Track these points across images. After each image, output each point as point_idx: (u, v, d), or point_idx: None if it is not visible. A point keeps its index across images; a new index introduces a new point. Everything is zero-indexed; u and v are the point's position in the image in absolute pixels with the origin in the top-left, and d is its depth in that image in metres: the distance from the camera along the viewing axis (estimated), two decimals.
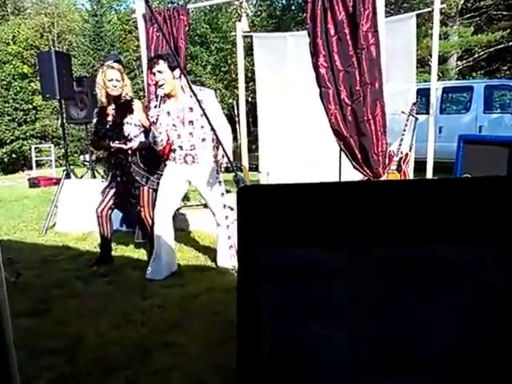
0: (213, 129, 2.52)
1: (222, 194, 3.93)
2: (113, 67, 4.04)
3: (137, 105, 4.17)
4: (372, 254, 1.12)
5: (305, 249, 1.14)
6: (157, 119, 3.66)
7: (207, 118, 2.11)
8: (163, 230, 3.91)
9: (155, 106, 3.66)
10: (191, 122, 3.73)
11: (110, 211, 4.26)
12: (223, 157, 3.73)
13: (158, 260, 3.91)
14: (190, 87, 2.34)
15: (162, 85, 3.66)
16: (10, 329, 1.58)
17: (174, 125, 3.78)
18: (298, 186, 1.14)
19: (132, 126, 4.10)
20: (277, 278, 1.19)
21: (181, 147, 3.82)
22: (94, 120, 4.26)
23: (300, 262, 1.16)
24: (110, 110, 4.14)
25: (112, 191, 4.21)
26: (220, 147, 3.72)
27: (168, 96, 3.76)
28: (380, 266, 1.12)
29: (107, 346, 2.73)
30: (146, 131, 4.09)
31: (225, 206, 3.94)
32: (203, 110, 2.15)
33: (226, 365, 2.48)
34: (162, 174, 4.10)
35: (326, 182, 1.11)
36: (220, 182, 3.92)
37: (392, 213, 1.10)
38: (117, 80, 4.02)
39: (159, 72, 3.65)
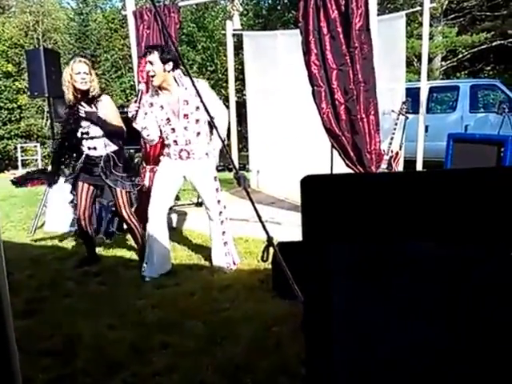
0: (212, 120, 2.48)
1: (217, 190, 3.90)
2: (79, 61, 3.92)
3: (105, 100, 4.01)
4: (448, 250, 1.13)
5: (375, 241, 1.13)
6: (136, 114, 3.59)
7: (206, 109, 2.08)
8: (157, 227, 3.86)
9: (135, 101, 3.61)
10: (186, 116, 3.67)
11: (90, 211, 4.23)
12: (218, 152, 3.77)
13: (151, 258, 3.87)
14: (191, 77, 2.31)
15: (152, 76, 3.59)
16: (12, 329, 1.56)
17: (168, 119, 3.71)
18: (366, 176, 1.14)
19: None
20: (351, 273, 1.17)
21: (175, 142, 3.76)
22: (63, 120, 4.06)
23: (375, 256, 1.15)
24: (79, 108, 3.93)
25: (85, 191, 4.14)
26: (214, 139, 3.75)
27: (160, 89, 3.68)
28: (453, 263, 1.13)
29: (103, 346, 2.71)
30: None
31: (219, 201, 3.91)
32: (202, 101, 2.11)
33: (226, 364, 2.48)
34: (133, 175, 4.16)
35: (395, 172, 1.12)
36: (215, 177, 3.89)
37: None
38: (85, 73, 3.86)
39: (150, 63, 3.57)
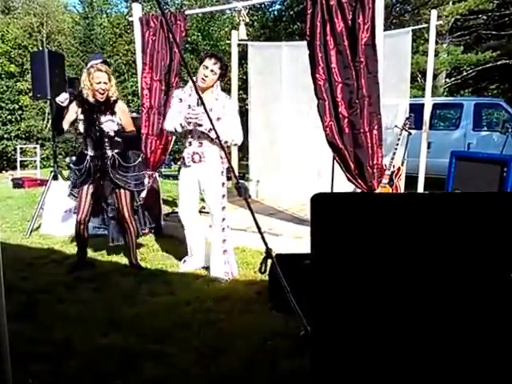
0: (219, 139, 2.44)
1: (223, 196, 3.95)
2: (101, 70, 3.96)
3: (121, 105, 4.18)
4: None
5: (382, 259, 1.14)
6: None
7: (211, 121, 2.06)
8: (193, 229, 4.12)
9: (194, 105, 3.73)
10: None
11: (89, 217, 4.21)
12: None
13: (193, 255, 4.20)
14: (195, 84, 2.30)
15: (204, 79, 3.74)
16: (5, 334, 1.53)
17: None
18: (376, 196, 1.16)
19: (115, 123, 4.07)
20: (357, 288, 1.19)
21: (190, 143, 3.86)
22: (75, 110, 4.03)
23: (378, 273, 1.16)
24: (95, 108, 4.04)
25: (89, 196, 4.12)
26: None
27: (202, 90, 3.78)
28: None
29: (94, 354, 2.66)
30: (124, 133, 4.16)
31: (224, 208, 3.95)
32: (208, 115, 2.09)
33: (219, 378, 2.43)
34: (139, 176, 4.25)
35: (405, 193, 1.14)
36: (223, 183, 3.94)
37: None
38: (104, 83, 3.96)
39: (212, 71, 3.74)
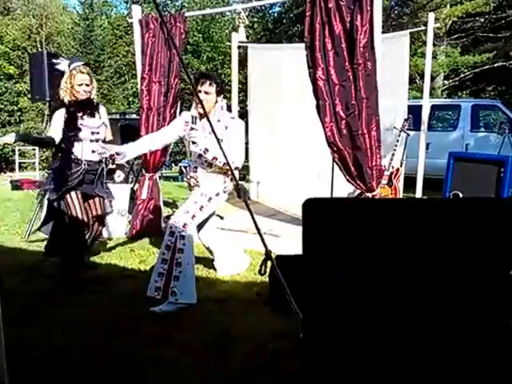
0: (228, 164, 2.40)
1: (195, 203, 3.60)
2: (83, 72, 3.82)
3: (103, 109, 4.07)
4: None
5: (375, 261, 1.16)
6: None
7: (219, 143, 1.99)
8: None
9: (191, 129, 3.56)
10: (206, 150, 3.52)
11: None
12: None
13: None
14: (194, 87, 2.30)
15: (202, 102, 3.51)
16: (2, 338, 1.53)
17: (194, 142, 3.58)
18: (366, 201, 1.19)
19: (103, 126, 3.96)
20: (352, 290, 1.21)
21: (191, 166, 3.79)
22: (58, 123, 3.80)
23: (368, 275, 1.18)
24: (79, 112, 3.86)
25: (81, 201, 3.90)
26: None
27: (203, 115, 3.56)
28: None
29: (95, 357, 2.66)
30: None
31: (187, 213, 3.54)
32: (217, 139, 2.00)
33: (220, 379, 2.43)
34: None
35: (394, 199, 1.16)
36: (205, 194, 3.63)
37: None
38: (86, 85, 3.81)
39: (206, 93, 3.55)
